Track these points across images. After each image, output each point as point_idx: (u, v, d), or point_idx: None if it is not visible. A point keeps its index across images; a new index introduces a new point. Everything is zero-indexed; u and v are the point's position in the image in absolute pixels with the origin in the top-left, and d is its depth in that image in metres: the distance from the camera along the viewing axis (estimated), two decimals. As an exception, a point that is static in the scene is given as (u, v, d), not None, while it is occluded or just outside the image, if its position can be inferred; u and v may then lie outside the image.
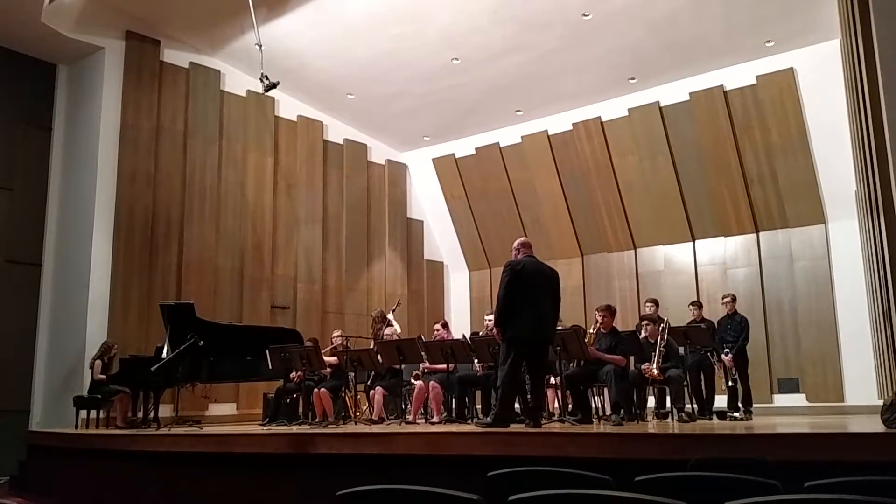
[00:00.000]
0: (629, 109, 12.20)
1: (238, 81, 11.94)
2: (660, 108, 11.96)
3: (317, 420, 8.17)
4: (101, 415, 9.11)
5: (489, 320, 8.42)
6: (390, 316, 9.41)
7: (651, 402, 7.93)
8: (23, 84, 10.52)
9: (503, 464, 3.21)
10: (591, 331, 7.24)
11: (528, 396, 7.21)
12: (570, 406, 7.06)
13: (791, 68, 10.77)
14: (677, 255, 12.41)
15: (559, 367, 6.99)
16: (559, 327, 8.35)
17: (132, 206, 10.48)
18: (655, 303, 9.02)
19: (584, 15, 9.95)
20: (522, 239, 6.42)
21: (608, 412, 7.18)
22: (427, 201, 15.13)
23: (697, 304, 8.88)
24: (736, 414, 8.01)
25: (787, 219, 11.40)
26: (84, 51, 10.58)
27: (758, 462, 3.31)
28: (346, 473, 5.41)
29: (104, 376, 8.96)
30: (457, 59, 11.18)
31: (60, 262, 10.51)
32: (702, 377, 7.89)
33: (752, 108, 11.21)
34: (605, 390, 7.28)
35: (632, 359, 7.30)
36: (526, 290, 5.88)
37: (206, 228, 11.28)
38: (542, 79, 11.69)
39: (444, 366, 7.61)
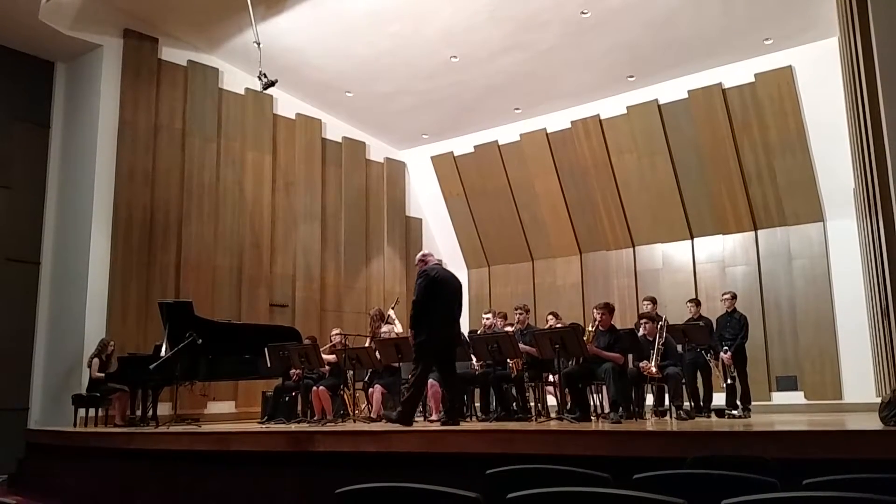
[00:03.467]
0: (628, 107, 12.20)
1: (236, 79, 11.93)
2: (658, 107, 11.96)
3: (315, 418, 8.17)
4: (100, 413, 9.13)
5: (487, 319, 8.46)
6: (392, 313, 9.38)
7: (649, 399, 7.95)
8: (21, 82, 10.51)
9: (502, 462, 3.21)
10: (590, 329, 7.24)
11: (527, 395, 7.26)
12: (568, 404, 7.07)
13: (789, 66, 10.78)
14: (676, 253, 12.42)
15: (558, 365, 6.99)
16: (559, 325, 8.41)
17: (130, 203, 10.47)
18: (654, 301, 9.01)
19: (583, 13, 9.94)
20: (425, 251, 6.83)
21: (607, 410, 7.19)
22: (426, 199, 15.12)
23: (695, 302, 8.88)
24: (734, 412, 8.02)
25: (785, 217, 11.41)
26: (82, 48, 10.56)
27: (756, 460, 3.32)
28: (345, 472, 5.41)
29: (102, 374, 8.96)
30: (455, 57, 11.17)
31: (59, 259, 10.50)
32: (698, 375, 7.90)
33: (751, 106, 11.21)
34: (604, 388, 7.30)
35: (630, 357, 7.31)
36: (437, 297, 6.16)
37: (205, 226, 11.27)
38: (541, 77, 11.69)
39: (443, 364, 7.60)
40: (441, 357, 6.31)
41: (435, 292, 6.15)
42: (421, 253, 6.83)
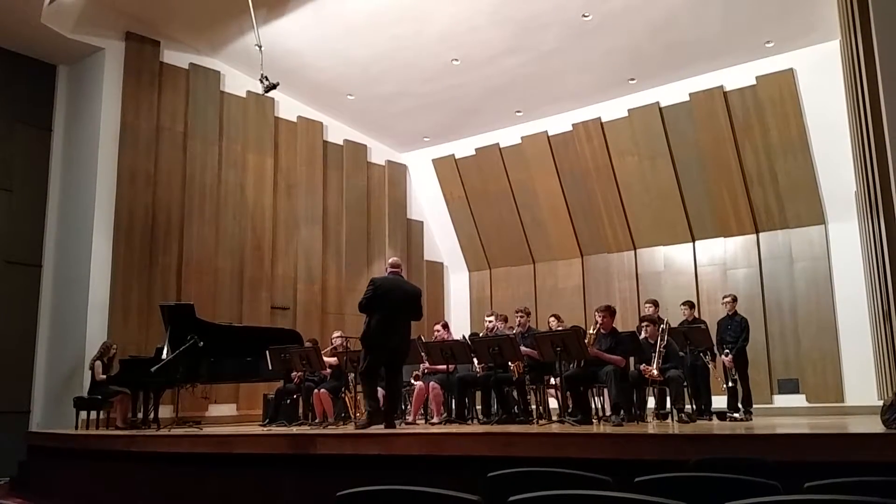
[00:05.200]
0: (629, 110, 12.20)
1: (238, 82, 11.95)
2: (660, 109, 11.97)
3: (317, 421, 8.17)
4: (101, 415, 9.12)
5: (489, 321, 8.45)
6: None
7: (651, 402, 7.94)
8: (23, 85, 10.53)
9: (503, 464, 3.20)
10: (591, 331, 7.23)
11: (528, 397, 7.26)
12: (570, 406, 7.06)
13: (791, 69, 10.78)
14: (677, 255, 12.41)
15: (559, 368, 6.99)
16: (560, 328, 8.40)
17: (132, 206, 10.48)
18: (655, 304, 9.01)
19: (584, 16, 9.95)
20: (392, 259, 7.27)
21: (608, 413, 7.18)
22: (427, 202, 15.13)
23: (689, 304, 8.87)
24: (736, 414, 8.01)
25: (786, 219, 11.40)
26: (84, 51, 10.58)
27: (758, 462, 3.32)
28: (346, 474, 5.41)
29: (104, 377, 8.96)
30: (456, 59, 11.18)
31: (60, 262, 10.51)
32: (696, 377, 7.88)
33: (752, 109, 11.21)
34: (605, 391, 7.29)
35: (631, 359, 7.30)
36: (380, 304, 6.56)
37: (206, 229, 11.28)
38: (542, 79, 11.69)
39: (444, 366, 7.62)
40: (384, 360, 6.64)
41: (378, 299, 6.58)
42: (389, 261, 7.30)
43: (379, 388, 8.09)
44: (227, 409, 11.02)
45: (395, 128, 13.75)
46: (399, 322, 6.65)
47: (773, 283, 11.47)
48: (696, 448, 4.21)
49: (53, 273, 10.54)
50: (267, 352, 8.52)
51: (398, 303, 6.65)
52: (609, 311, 7.29)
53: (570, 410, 6.96)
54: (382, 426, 6.27)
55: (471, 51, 10.92)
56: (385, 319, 6.54)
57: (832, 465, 3.46)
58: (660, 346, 7.31)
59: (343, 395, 8.73)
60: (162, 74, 11.06)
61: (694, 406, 7.73)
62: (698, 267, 12.19)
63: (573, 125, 12.79)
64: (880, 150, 5.39)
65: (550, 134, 13.15)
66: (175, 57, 11.29)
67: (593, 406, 7.61)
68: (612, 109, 12.39)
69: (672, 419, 7.33)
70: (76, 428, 8.93)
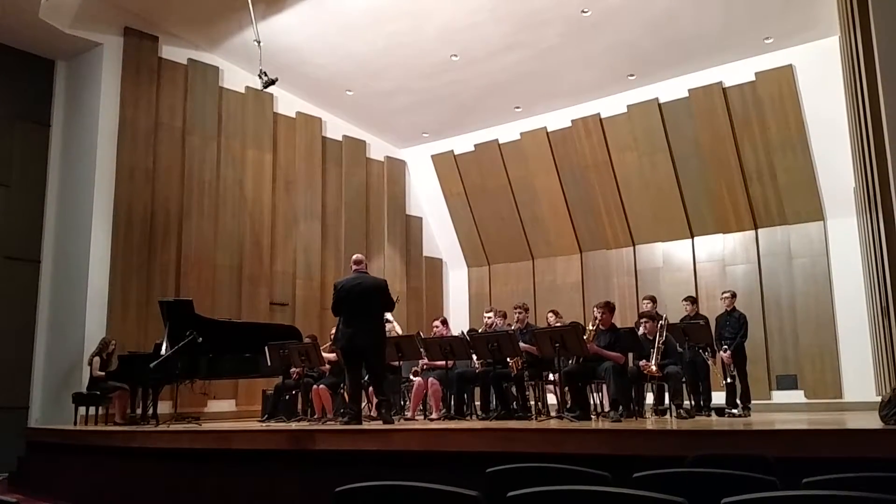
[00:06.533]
0: (628, 106, 12.19)
1: (236, 78, 11.93)
2: (659, 105, 11.96)
3: (316, 417, 8.17)
4: (100, 411, 9.13)
5: (488, 317, 8.46)
6: (389, 315, 9.37)
7: (649, 398, 7.94)
8: (21, 80, 10.51)
9: (502, 460, 3.21)
10: (590, 327, 7.24)
11: (527, 393, 7.26)
12: (568, 402, 7.07)
13: (790, 65, 10.77)
14: (676, 251, 12.42)
15: (558, 364, 7.00)
16: (559, 324, 8.40)
17: (131, 202, 10.47)
18: (653, 300, 8.98)
19: (584, 11, 9.94)
20: (355, 256, 7.26)
21: (607, 409, 7.20)
22: (426, 198, 15.12)
23: (691, 300, 8.84)
24: (734, 410, 8.01)
25: (785, 216, 11.40)
26: (82, 47, 10.56)
27: (756, 458, 3.32)
28: (345, 470, 5.41)
29: (102, 373, 8.97)
30: (455, 55, 11.16)
31: (59, 258, 10.51)
32: (695, 373, 7.89)
33: (752, 105, 11.21)
34: (604, 387, 7.30)
35: (630, 355, 7.31)
36: (342, 306, 6.74)
37: (205, 225, 11.27)
38: (542, 75, 11.68)
39: (443, 362, 7.62)
40: (360, 357, 6.75)
41: (341, 302, 6.73)
42: (353, 258, 7.29)
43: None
44: (226, 405, 11.03)
45: (394, 124, 13.74)
46: (364, 320, 6.69)
47: (772, 280, 11.48)
48: (694, 444, 4.21)
49: (52, 269, 10.54)
50: (266, 348, 8.52)
51: (360, 301, 6.69)
52: (608, 308, 7.30)
53: (568, 406, 6.97)
54: (380, 423, 6.28)
55: (470, 47, 10.90)
56: (348, 320, 6.65)
57: (830, 461, 3.46)
58: (658, 343, 7.32)
59: (342, 391, 8.72)
60: (160, 70, 11.04)
61: (692, 402, 7.73)
62: (697, 263, 12.20)
63: (572, 121, 12.79)
64: (879, 146, 5.39)
65: (549, 130, 13.14)
66: (173, 52, 11.27)
67: (592, 402, 7.63)
68: (612, 105, 12.38)
69: (670, 415, 7.34)
70: (75, 424, 8.93)
